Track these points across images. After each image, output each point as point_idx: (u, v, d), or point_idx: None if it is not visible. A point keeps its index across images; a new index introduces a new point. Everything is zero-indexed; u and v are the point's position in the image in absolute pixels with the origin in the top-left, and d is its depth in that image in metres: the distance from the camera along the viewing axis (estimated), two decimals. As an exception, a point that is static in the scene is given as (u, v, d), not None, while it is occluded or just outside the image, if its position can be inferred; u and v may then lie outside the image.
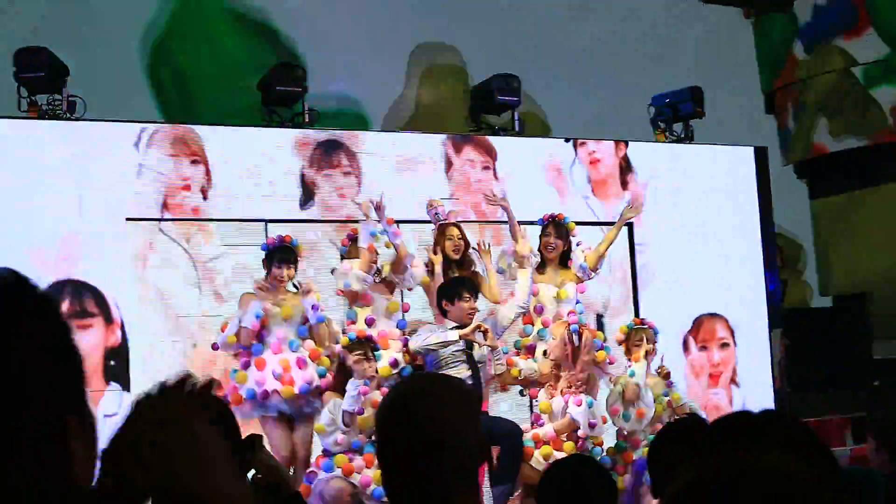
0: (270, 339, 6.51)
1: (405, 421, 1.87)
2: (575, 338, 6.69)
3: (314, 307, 6.56)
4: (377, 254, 6.79)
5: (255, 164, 8.04)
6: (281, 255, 6.58)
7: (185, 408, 1.21)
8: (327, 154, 8.35)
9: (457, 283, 6.60)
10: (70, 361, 1.11)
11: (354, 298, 6.75)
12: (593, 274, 7.28)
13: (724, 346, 9.51)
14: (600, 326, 8.51)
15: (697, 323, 9.38)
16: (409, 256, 6.81)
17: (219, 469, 1.19)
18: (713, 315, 9.41)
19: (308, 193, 8.24)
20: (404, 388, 2.02)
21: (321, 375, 6.52)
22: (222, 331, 6.64)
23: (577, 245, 7.34)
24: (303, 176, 8.22)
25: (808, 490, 1.07)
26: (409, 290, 7.11)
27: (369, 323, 6.65)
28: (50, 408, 1.06)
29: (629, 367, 6.92)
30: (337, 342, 6.56)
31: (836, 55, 12.67)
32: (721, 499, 1.07)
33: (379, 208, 6.70)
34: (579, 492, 2.97)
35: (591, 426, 6.63)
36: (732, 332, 9.53)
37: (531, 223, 7.39)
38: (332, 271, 6.98)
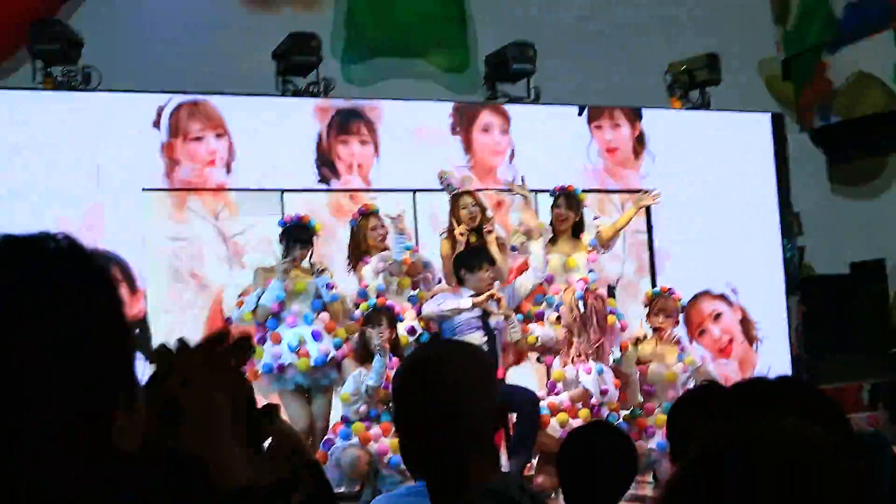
0: (285, 314, 6.53)
1: (421, 387, 1.87)
2: (581, 305, 6.68)
3: (328, 286, 6.60)
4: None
5: (275, 134, 8.05)
6: (298, 234, 6.61)
7: (209, 371, 1.19)
8: (345, 123, 8.34)
9: (478, 254, 6.62)
10: (122, 336, 1.06)
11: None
12: (604, 250, 7.25)
13: (718, 317, 9.27)
14: (612, 296, 8.46)
15: (686, 313, 8.42)
16: (427, 268, 6.85)
17: (224, 438, 1.18)
18: (693, 299, 8.96)
19: (325, 162, 8.25)
20: (421, 355, 2.02)
21: (337, 347, 6.54)
22: (238, 307, 6.67)
23: (595, 219, 7.32)
24: (319, 145, 8.21)
25: (825, 456, 1.07)
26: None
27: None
28: (102, 385, 1.01)
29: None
30: (352, 319, 6.59)
31: (873, 87, 12.39)
32: (737, 465, 1.07)
33: (400, 222, 6.74)
34: (598, 459, 2.96)
35: (603, 392, 6.63)
36: (722, 296, 9.34)
37: (544, 191, 7.37)
38: (361, 275, 6.93)
